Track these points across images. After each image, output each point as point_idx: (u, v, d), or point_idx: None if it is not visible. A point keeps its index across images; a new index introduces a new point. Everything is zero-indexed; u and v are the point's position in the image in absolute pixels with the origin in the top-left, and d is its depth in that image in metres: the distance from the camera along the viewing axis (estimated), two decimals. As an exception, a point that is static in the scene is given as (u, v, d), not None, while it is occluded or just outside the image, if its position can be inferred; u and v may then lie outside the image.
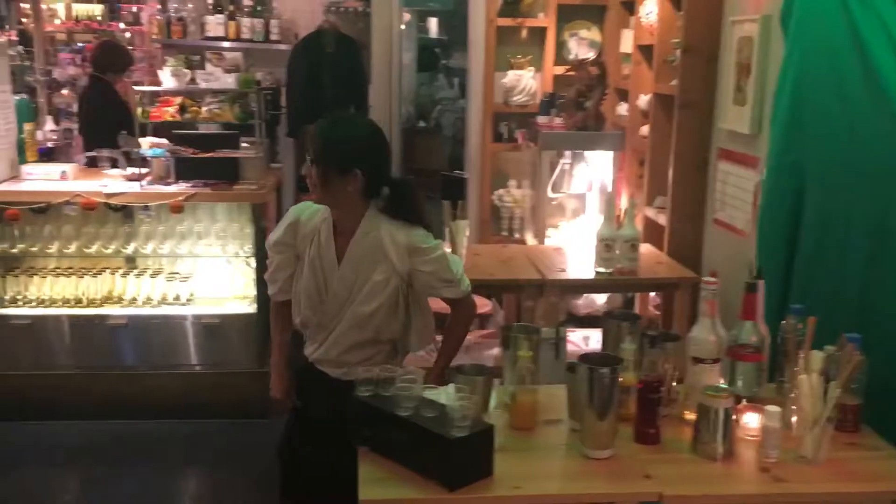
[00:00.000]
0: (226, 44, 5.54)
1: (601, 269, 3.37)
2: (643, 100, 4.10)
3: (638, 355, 2.12)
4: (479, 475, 1.83)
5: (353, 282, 2.31)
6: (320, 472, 2.43)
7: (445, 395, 1.98)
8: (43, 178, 4.22)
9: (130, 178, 4.27)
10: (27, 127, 4.49)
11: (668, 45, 3.80)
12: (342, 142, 2.28)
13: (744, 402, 2.11)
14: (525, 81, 4.55)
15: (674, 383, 2.21)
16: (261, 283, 4.36)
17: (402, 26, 5.29)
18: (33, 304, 4.31)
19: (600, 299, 4.20)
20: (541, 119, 4.35)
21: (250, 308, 4.38)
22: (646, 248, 3.69)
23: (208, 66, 4.31)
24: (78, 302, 4.33)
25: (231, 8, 5.57)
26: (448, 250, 3.52)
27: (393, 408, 1.91)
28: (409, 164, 7.05)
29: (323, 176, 2.25)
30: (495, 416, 2.01)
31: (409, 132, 7.45)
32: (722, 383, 2.14)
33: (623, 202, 4.18)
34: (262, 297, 4.36)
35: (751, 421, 2.06)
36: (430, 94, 8.72)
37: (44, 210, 4.09)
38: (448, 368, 2.41)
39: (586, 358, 1.97)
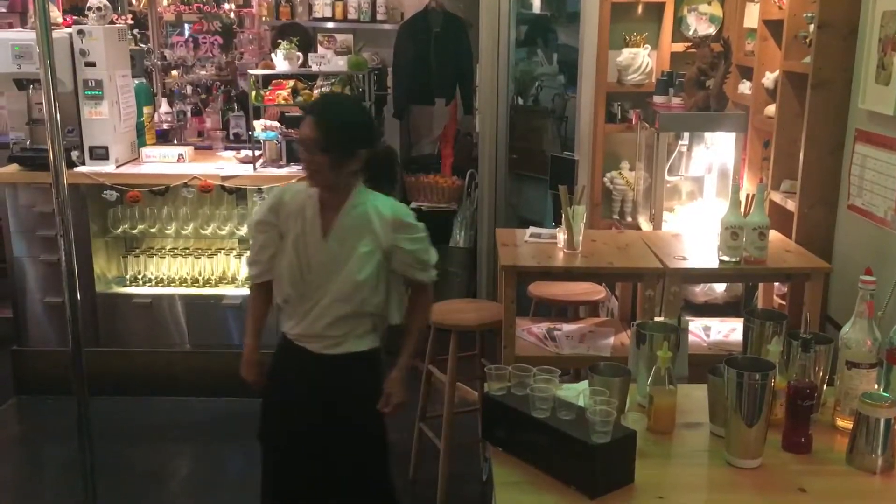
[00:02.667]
0: (332, 24, 5.54)
1: (726, 258, 3.22)
2: (769, 78, 3.88)
3: (785, 357, 1.99)
4: (620, 483, 1.75)
5: (338, 254, 2.36)
6: (308, 452, 2.52)
7: (582, 395, 1.90)
8: (161, 161, 4.32)
9: (244, 161, 4.32)
10: (146, 110, 4.60)
11: (800, 19, 3.57)
12: (348, 128, 2.33)
13: (903, 410, 1.96)
14: (640, 59, 4.37)
15: (823, 386, 2.08)
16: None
17: (510, 2, 5.17)
18: (152, 283, 4.44)
19: (719, 287, 4.02)
20: (657, 99, 4.18)
21: (359, 290, 4.39)
22: (773, 236, 3.50)
23: (320, 49, 4.31)
24: (194, 282, 4.43)
25: (338, -12, 5.57)
26: (563, 237, 3.44)
27: (528, 409, 1.84)
28: (510, 144, 6.93)
29: (333, 162, 2.30)
30: (634, 419, 1.92)
31: (511, 110, 7.32)
32: (877, 389, 2.00)
33: (745, 186, 3.99)
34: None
35: (911, 431, 1.91)
36: (529, 70, 8.56)
37: (163, 192, 4.19)
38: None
39: (734, 361, 1.86)
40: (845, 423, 1.94)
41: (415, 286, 2.53)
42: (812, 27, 3.40)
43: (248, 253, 2.54)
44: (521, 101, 8.16)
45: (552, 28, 8.74)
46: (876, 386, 2.01)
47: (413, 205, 5.52)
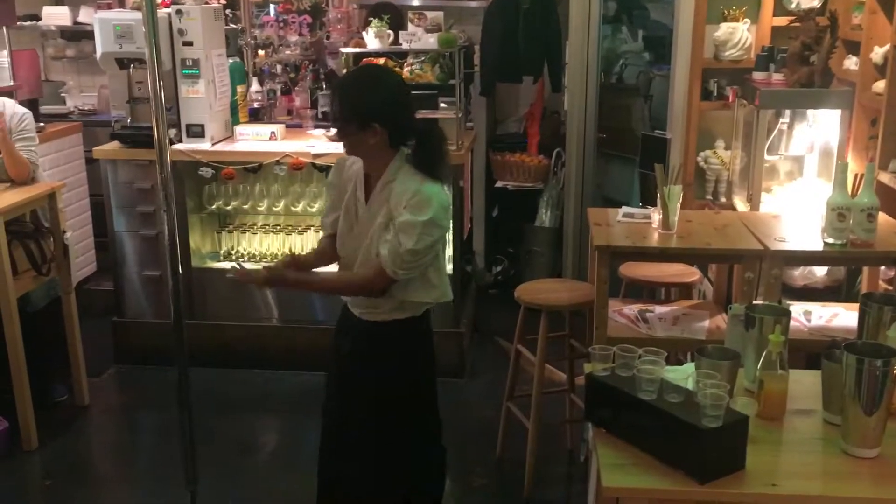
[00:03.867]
0: (418, 1, 5.52)
1: (832, 241, 3.10)
2: (878, 53, 3.70)
3: (902, 343, 1.90)
4: (731, 469, 1.71)
5: (368, 224, 2.43)
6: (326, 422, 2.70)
7: (692, 379, 1.86)
8: (254, 139, 4.39)
9: (333, 139, 4.35)
10: (239, 89, 4.67)
11: (915, -10, 3.39)
12: (357, 99, 2.38)
13: None
14: (739, 34, 4.22)
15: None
16: (457, 244, 4.37)
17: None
18: (245, 258, 4.53)
19: (820, 271, 3.88)
20: (757, 75, 4.04)
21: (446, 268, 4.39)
22: (882, 218, 3.36)
23: (410, 27, 4.30)
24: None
25: (426, -34, 5.55)
26: (657, 217, 3.36)
27: (634, 390, 1.81)
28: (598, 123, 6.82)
29: (342, 131, 2.40)
30: (744, 405, 1.86)
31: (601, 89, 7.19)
32: None
33: (851, 165, 3.83)
34: (458, 258, 4.37)
35: None
36: (614, 47, 8.39)
37: (256, 169, 4.26)
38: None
39: (853, 347, 1.79)
40: (972, 415, 1.84)
41: (368, 266, 2.43)
42: (928, -2, 3.23)
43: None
44: (604, 79, 8.01)
45: (639, 4, 8.54)
46: None
47: (499, 184, 5.49)
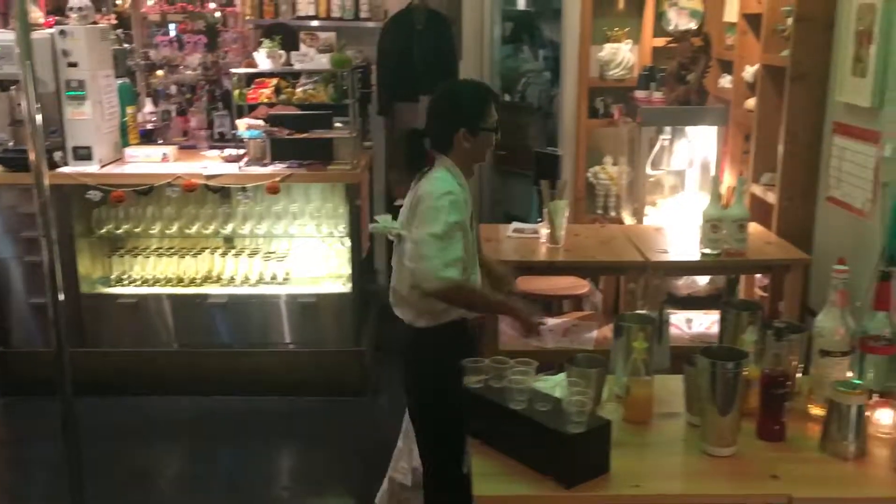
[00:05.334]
0: (316, 22, 5.54)
1: (707, 251, 3.25)
2: (749, 72, 3.91)
3: (760, 346, 2.02)
4: (595, 472, 1.77)
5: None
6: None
7: (559, 387, 1.92)
8: (145, 161, 4.32)
9: (228, 160, 4.32)
10: (129, 110, 4.59)
11: (779, 13, 3.61)
12: None
13: (875, 397, 2.00)
14: (622, 54, 4.40)
15: (797, 374, 2.10)
16: (355, 263, 4.38)
17: (492, -1, 5.20)
18: (138, 283, 4.44)
19: (702, 280, 4.06)
20: (639, 93, 4.21)
21: (345, 287, 4.41)
22: (753, 228, 3.54)
23: (302, 47, 4.31)
24: (179, 281, 4.44)
25: (321, -14, 5.57)
26: (545, 232, 3.46)
27: (505, 400, 1.86)
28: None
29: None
30: (610, 410, 1.94)
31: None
32: (850, 377, 2.03)
33: (727, 179, 4.02)
34: (357, 277, 4.39)
35: (883, 418, 1.95)
36: (516, 66, 8.57)
37: (147, 192, 4.19)
38: None
39: (708, 351, 1.88)
40: (819, 411, 1.97)
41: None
42: (790, 21, 3.44)
43: (445, 256, 2.40)
44: (507, 98, 8.17)
45: (538, 24, 8.75)
46: (849, 374, 2.05)
47: (398, 202, 5.52)
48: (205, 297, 4.38)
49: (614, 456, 1.82)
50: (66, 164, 4.13)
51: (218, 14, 5.74)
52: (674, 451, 1.91)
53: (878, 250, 2.63)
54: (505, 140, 6.47)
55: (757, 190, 3.77)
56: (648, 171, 4.08)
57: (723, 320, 2.21)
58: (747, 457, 1.86)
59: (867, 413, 1.92)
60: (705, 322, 3.56)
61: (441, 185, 2.44)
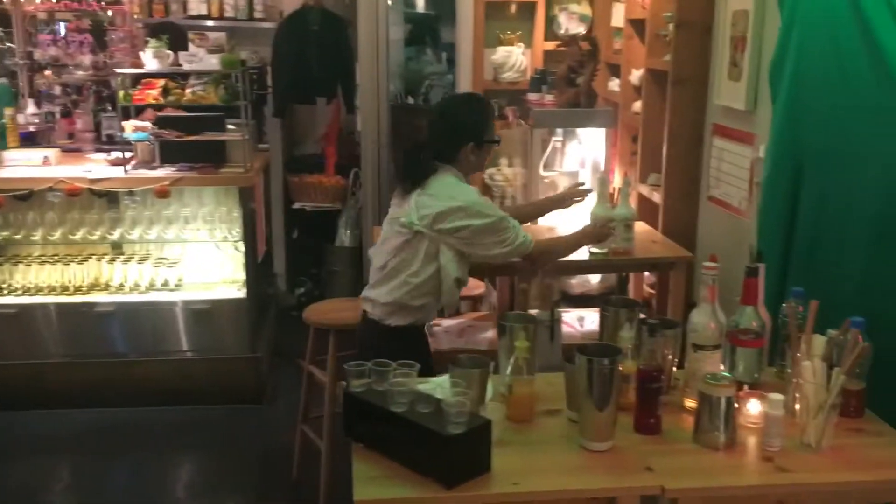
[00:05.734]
0: (210, 22, 5.42)
1: (595, 250, 3.32)
2: (635, 75, 4.03)
3: (637, 343, 2.07)
4: (476, 472, 1.78)
5: None
6: None
7: (441, 388, 1.93)
8: (25, 164, 4.14)
9: (114, 163, 4.18)
10: (8, 112, 4.39)
11: (661, 18, 3.72)
12: None
13: (745, 388, 2.08)
14: (515, 58, 4.46)
15: (673, 369, 2.17)
16: (250, 268, 4.30)
17: (389, 1, 5.18)
18: (19, 292, 4.25)
19: (594, 278, 4.15)
20: (531, 96, 4.27)
21: (240, 293, 4.33)
22: (640, 227, 3.64)
23: (191, 47, 4.20)
24: (64, 289, 4.27)
25: (214, -15, 5.45)
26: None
27: (387, 403, 1.86)
28: (397, 143, 6.93)
29: None
30: (492, 409, 1.96)
31: (397, 109, 7.31)
32: (722, 370, 2.10)
33: (616, 180, 4.12)
34: (252, 282, 4.31)
35: (753, 408, 2.02)
36: (419, 69, 8.58)
37: (27, 197, 4.01)
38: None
39: (585, 348, 1.92)
40: (693, 404, 2.03)
41: None
42: (671, 26, 3.55)
43: (518, 231, 2.71)
44: (411, 100, 8.18)
45: (440, 27, 8.79)
46: (721, 367, 2.12)
47: (297, 205, 5.47)
48: (92, 305, 4.22)
49: (496, 455, 1.83)
50: (-63, 168, 3.92)
51: (110, 13, 5.54)
52: (554, 447, 1.94)
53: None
54: (406, 142, 6.49)
55: (644, 190, 3.88)
56: (542, 172, 4.14)
57: (602, 318, 2.27)
58: (624, 450, 1.91)
59: (737, 404, 1.99)
60: (597, 320, 3.62)
61: (465, 191, 2.65)
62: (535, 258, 2.80)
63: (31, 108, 4.88)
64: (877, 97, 2.20)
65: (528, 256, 2.77)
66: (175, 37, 4.48)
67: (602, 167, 4.12)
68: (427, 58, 8.71)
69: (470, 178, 2.80)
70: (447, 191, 2.61)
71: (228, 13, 5.29)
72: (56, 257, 4.27)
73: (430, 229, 2.59)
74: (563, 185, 4.51)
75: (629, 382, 2.02)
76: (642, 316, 2.15)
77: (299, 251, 5.75)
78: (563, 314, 3.61)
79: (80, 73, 5.10)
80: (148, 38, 4.15)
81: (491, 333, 3.56)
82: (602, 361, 1.86)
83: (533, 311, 3.46)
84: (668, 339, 2.08)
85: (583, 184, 3.39)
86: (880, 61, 2.17)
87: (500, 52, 4.46)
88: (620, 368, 1.91)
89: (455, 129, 2.69)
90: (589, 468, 1.85)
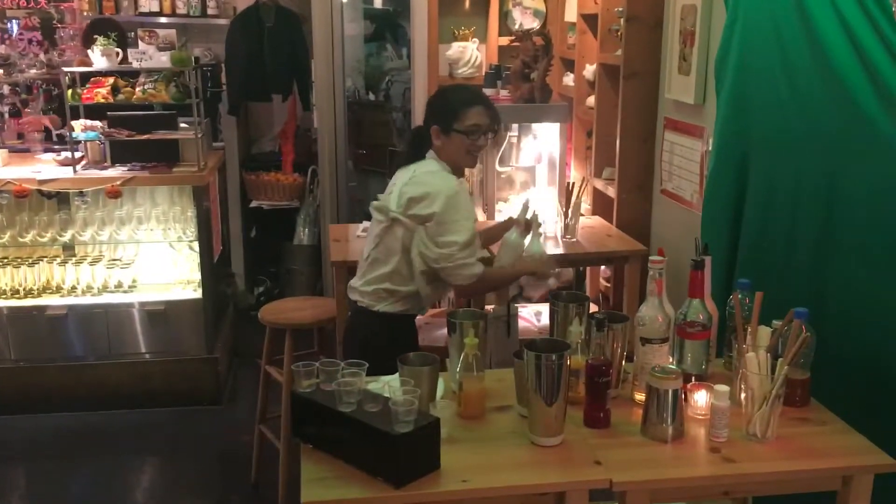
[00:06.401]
0: (162, 19, 5.33)
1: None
2: (589, 70, 4.05)
3: (587, 337, 2.08)
4: (425, 470, 1.78)
5: None
6: None
7: (390, 387, 1.92)
8: (-30, 166, 4.05)
9: (64, 164, 4.10)
10: (-48, 112, 4.29)
11: (612, 13, 3.75)
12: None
13: (693, 380, 2.10)
14: (470, 53, 4.45)
15: (623, 363, 2.18)
16: (205, 267, 4.25)
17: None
18: (-34, 297, 4.15)
19: (552, 273, 4.16)
20: (486, 91, 4.26)
21: (196, 293, 4.28)
22: (595, 221, 3.67)
23: (141, 45, 4.13)
24: (15, 293, 4.18)
25: (165, -19, 5.36)
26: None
27: (335, 403, 1.84)
28: (357, 140, 6.91)
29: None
30: (442, 406, 1.96)
31: (356, 106, 7.29)
32: (671, 362, 2.12)
33: (573, 174, 4.14)
34: (208, 282, 4.27)
35: (700, 399, 2.04)
36: (379, 64, 8.55)
37: (-27, 199, 3.93)
38: None
39: (533, 344, 1.93)
40: (642, 397, 2.04)
41: None
42: (622, 21, 3.57)
43: (472, 256, 2.63)
44: (371, 97, 8.15)
45: (400, 22, 8.76)
46: (670, 360, 2.14)
47: (254, 203, 5.42)
48: (43, 308, 4.14)
49: (447, 452, 1.83)
50: None
51: (63, 8, 5.43)
52: (505, 443, 1.94)
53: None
54: (366, 139, 6.45)
55: (599, 184, 3.90)
56: (498, 167, 4.14)
57: (552, 313, 2.27)
58: (573, 445, 1.91)
59: (685, 396, 2.01)
60: (553, 314, 3.64)
61: (441, 180, 2.60)
62: (467, 290, 2.72)
63: (-23, 108, 4.78)
64: (819, 88, 2.23)
65: (463, 289, 2.69)
66: (120, 33, 4.40)
67: (557, 162, 4.14)
68: (387, 53, 8.68)
69: (462, 172, 2.76)
70: (426, 178, 2.61)
71: (181, 10, 5.21)
72: (6, 260, 4.18)
73: (405, 215, 2.58)
74: (518, 179, 4.54)
75: (578, 377, 2.03)
76: (594, 310, 2.16)
77: (258, 250, 5.70)
78: (519, 309, 3.63)
79: (33, 71, 4.99)
80: (95, 36, 4.06)
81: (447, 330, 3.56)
82: (550, 356, 1.86)
83: (489, 307, 3.49)
84: (617, 333, 2.09)
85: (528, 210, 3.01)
86: (821, 53, 2.20)
87: (455, 48, 4.45)
88: (569, 363, 1.91)
89: (427, 110, 2.74)
90: (538, 463, 1.85)
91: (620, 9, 3.59)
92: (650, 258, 2.12)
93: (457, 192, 2.57)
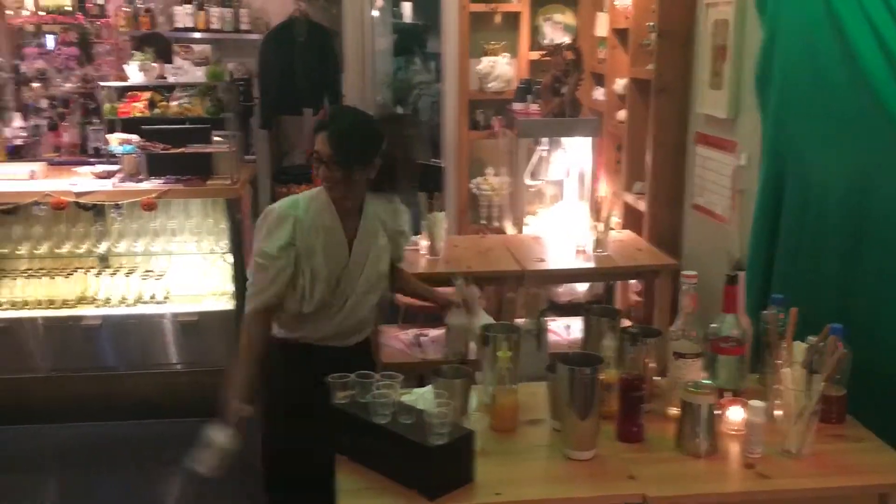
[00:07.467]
0: (196, 34, 5.43)
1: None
2: (619, 84, 4.05)
3: (619, 351, 2.08)
4: (459, 483, 1.79)
5: (364, 253, 2.47)
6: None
7: (423, 399, 1.93)
8: (10, 178, 4.13)
9: (101, 176, 4.18)
10: (-7, 125, 4.39)
11: (644, 28, 3.75)
12: (361, 140, 2.36)
13: (727, 395, 2.09)
14: (500, 68, 4.48)
15: (656, 377, 2.18)
16: (238, 279, 4.29)
17: (376, 12, 5.21)
18: (5, 306, 4.23)
19: (582, 287, 4.17)
20: (517, 106, 4.29)
21: (228, 304, 4.32)
22: (626, 235, 3.66)
23: (177, 60, 4.20)
24: (51, 303, 4.25)
25: (200, -3, 5.46)
26: (425, 243, 3.49)
27: (370, 415, 1.86)
28: (386, 153, 6.93)
29: (348, 176, 2.34)
30: (475, 419, 1.96)
31: (385, 119, 7.32)
32: (704, 378, 2.11)
33: (602, 188, 4.15)
34: (240, 293, 4.31)
35: (734, 415, 2.03)
36: (408, 78, 8.62)
37: (12, 211, 4.00)
38: None
39: (567, 357, 1.93)
40: (675, 412, 2.04)
41: (398, 262, 2.69)
42: (653, 35, 3.58)
43: (253, 283, 2.42)
44: (400, 110, 8.20)
45: (428, 37, 8.83)
46: (703, 375, 2.13)
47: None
48: (79, 318, 4.20)
49: (480, 465, 1.84)
50: (-79, 183, 3.91)
51: (100, 24, 5.55)
52: (537, 456, 1.94)
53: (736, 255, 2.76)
54: (393, 152, 6.48)
55: (629, 198, 3.90)
56: (528, 181, 4.16)
57: (585, 327, 2.27)
58: (607, 459, 1.91)
59: (719, 411, 2.00)
60: (583, 328, 3.64)
61: (283, 201, 2.51)
62: (243, 323, 2.52)
63: (17, 121, 4.88)
64: (852, 102, 2.23)
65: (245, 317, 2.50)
66: (162, 48, 4.49)
67: (587, 176, 4.14)
68: (416, 67, 8.76)
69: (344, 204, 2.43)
70: None
71: (215, 25, 5.29)
72: (43, 271, 4.26)
73: None
74: (548, 193, 4.55)
75: (612, 391, 2.03)
76: (627, 324, 2.16)
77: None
78: (549, 323, 3.63)
79: (69, 85, 5.11)
80: (133, 51, 4.14)
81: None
82: (584, 370, 1.87)
83: (520, 321, 3.49)
84: (650, 348, 2.09)
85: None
86: (855, 66, 2.19)
87: (486, 63, 4.48)
88: (602, 377, 1.92)
89: None
90: (572, 477, 1.85)
91: (652, 24, 3.60)
92: (683, 273, 2.12)
93: (271, 211, 2.41)
